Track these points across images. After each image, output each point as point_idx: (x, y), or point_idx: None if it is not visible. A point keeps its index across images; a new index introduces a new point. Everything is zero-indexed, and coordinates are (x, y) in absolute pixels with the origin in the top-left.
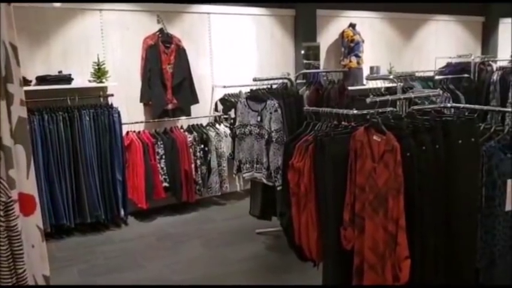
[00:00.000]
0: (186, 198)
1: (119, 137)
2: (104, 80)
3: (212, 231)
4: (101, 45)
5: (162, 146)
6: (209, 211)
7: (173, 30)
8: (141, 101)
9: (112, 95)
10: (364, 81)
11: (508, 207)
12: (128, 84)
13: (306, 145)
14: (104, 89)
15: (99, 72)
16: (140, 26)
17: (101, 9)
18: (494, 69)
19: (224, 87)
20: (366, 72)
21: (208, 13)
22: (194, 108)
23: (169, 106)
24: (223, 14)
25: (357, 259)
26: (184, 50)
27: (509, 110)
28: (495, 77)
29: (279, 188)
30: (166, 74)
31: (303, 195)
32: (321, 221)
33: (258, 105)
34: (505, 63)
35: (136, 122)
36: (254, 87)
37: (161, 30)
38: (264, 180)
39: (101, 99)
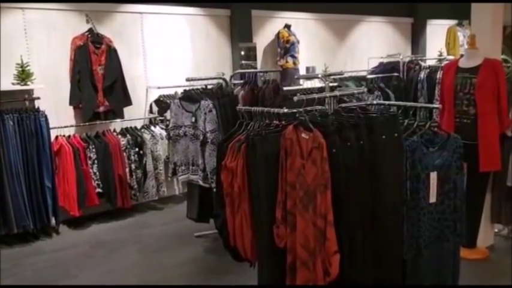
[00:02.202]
0: (121, 204)
1: (46, 142)
2: (28, 83)
3: (149, 237)
4: (25, 45)
5: (94, 150)
6: (146, 216)
7: (103, 30)
8: (70, 104)
9: (38, 98)
10: (301, 81)
11: (432, 199)
12: (57, 87)
13: (239, 145)
14: (30, 91)
15: (23, 74)
16: (68, 25)
17: (23, 8)
18: (422, 68)
19: (159, 88)
20: (302, 72)
21: (140, 13)
22: (127, 111)
23: (101, 109)
24: (157, 14)
25: (290, 256)
26: (115, 51)
27: (436, 106)
28: (422, 75)
29: (215, 190)
30: (97, 76)
31: (237, 196)
32: (254, 220)
33: (192, 106)
34: (433, 62)
35: (66, 126)
36: (189, 88)
37: (90, 30)
38: (201, 182)
39: (27, 103)
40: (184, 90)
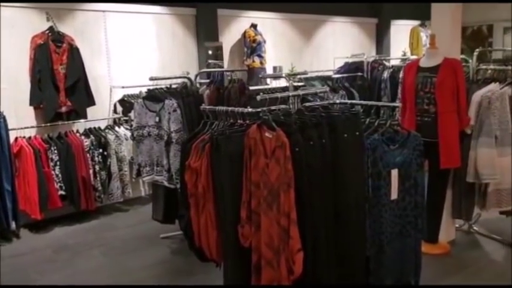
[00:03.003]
0: (85, 206)
1: (5, 143)
2: None
3: (114, 240)
4: None
5: (56, 151)
6: (111, 218)
7: (65, 28)
8: (30, 104)
9: None
10: (268, 81)
11: (393, 196)
12: (16, 87)
13: (203, 144)
14: None
15: None
16: (27, 24)
17: None
18: (386, 67)
19: (123, 87)
20: (269, 72)
21: (103, 11)
22: (91, 111)
23: (63, 109)
24: (120, 12)
25: (255, 256)
26: (77, 50)
27: (396, 104)
28: (385, 75)
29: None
30: (59, 75)
31: (201, 196)
32: (219, 220)
33: (156, 105)
34: (397, 62)
35: (27, 127)
36: (154, 87)
37: (51, 29)
38: (166, 183)
39: None
40: (148, 90)
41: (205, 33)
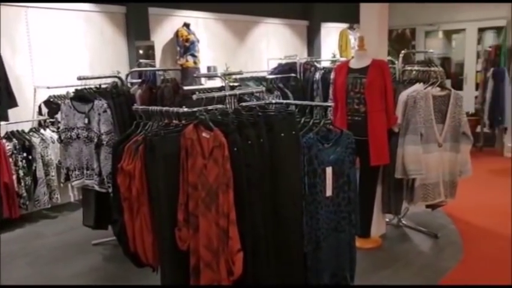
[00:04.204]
0: (8, 214)
1: None
2: None
3: (41, 248)
4: None
5: None
6: (37, 226)
7: None
8: None
9: None
10: (203, 81)
11: (328, 193)
12: None
13: (136, 146)
14: None
15: None
16: None
17: None
18: (317, 69)
19: (48, 88)
20: (203, 72)
21: (25, 7)
22: (13, 113)
23: None
24: (45, 9)
25: (193, 258)
26: None
27: (329, 104)
28: (317, 76)
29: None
30: None
31: (136, 199)
32: (155, 224)
33: (85, 106)
34: (327, 64)
35: None
36: (82, 87)
37: None
38: (97, 187)
39: None
40: (76, 90)
41: (136, 32)
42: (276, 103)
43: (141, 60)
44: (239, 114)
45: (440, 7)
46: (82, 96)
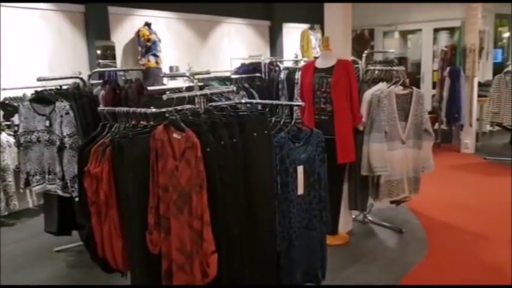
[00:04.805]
0: None
1: None
2: None
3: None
4: None
5: None
6: None
7: None
8: None
9: None
10: (165, 81)
11: (300, 192)
12: None
13: (103, 148)
14: None
15: None
16: None
17: None
18: (282, 69)
19: (4, 89)
20: (165, 72)
21: None
22: None
23: None
24: None
25: (165, 262)
26: None
27: (297, 103)
28: (282, 76)
29: (77, 199)
30: None
31: (104, 203)
32: (124, 228)
33: (46, 108)
34: (290, 64)
35: None
36: (41, 89)
37: None
38: (60, 192)
39: None
40: (36, 91)
41: (96, 31)
42: (246, 103)
43: (100, 61)
44: (211, 114)
45: (398, 9)
46: (42, 98)
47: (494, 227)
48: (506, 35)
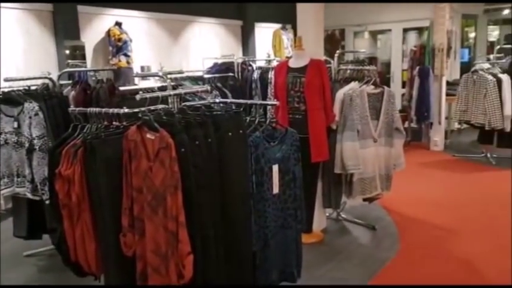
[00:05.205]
0: None
1: None
2: None
3: None
4: None
5: None
6: None
7: None
8: None
9: None
10: (136, 81)
11: (275, 191)
12: None
13: (75, 150)
14: None
15: None
16: None
17: None
18: (255, 68)
19: None
20: (138, 72)
21: None
22: None
23: None
24: None
25: (140, 264)
26: None
27: (271, 103)
28: (255, 75)
29: (48, 202)
30: None
31: (76, 206)
32: (98, 230)
33: (14, 109)
34: (263, 63)
35: None
36: (8, 90)
37: None
38: (29, 195)
39: None
40: (3, 92)
41: (65, 31)
42: (220, 102)
43: (69, 61)
44: (185, 114)
45: (368, 9)
46: (10, 99)
47: (464, 222)
48: (473, 35)
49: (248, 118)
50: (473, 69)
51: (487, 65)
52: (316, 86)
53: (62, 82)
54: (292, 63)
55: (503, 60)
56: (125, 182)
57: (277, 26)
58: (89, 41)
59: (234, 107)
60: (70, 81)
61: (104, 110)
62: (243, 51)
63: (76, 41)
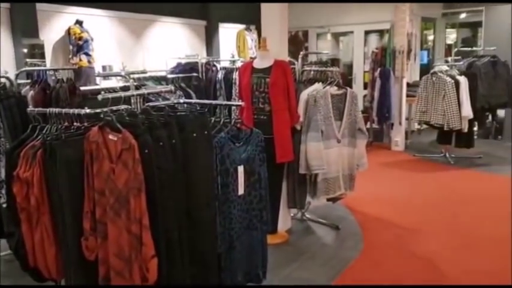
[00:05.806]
0: None
1: None
2: None
3: None
4: None
5: None
6: None
7: None
8: None
9: None
10: (98, 81)
11: (240, 192)
12: None
13: (33, 152)
14: None
15: None
16: None
17: None
18: (219, 68)
19: None
20: (99, 71)
21: None
22: None
23: None
24: None
25: (103, 268)
26: None
27: (236, 103)
28: (220, 76)
29: (5, 205)
30: None
31: (35, 209)
32: (58, 234)
33: None
34: (227, 64)
35: None
36: None
37: None
38: None
39: None
40: None
41: (23, 29)
42: (184, 103)
43: (27, 60)
44: (149, 115)
45: (331, 10)
46: None
47: (426, 221)
48: (431, 37)
49: (213, 119)
50: (432, 71)
51: (445, 67)
52: (280, 86)
53: (20, 81)
54: (257, 64)
55: (461, 63)
56: (87, 184)
57: (241, 26)
58: (48, 39)
59: (198, 108)
60: (28, 81)
61: (64, 110)
62: (207, 51)
63: (35, 39)
